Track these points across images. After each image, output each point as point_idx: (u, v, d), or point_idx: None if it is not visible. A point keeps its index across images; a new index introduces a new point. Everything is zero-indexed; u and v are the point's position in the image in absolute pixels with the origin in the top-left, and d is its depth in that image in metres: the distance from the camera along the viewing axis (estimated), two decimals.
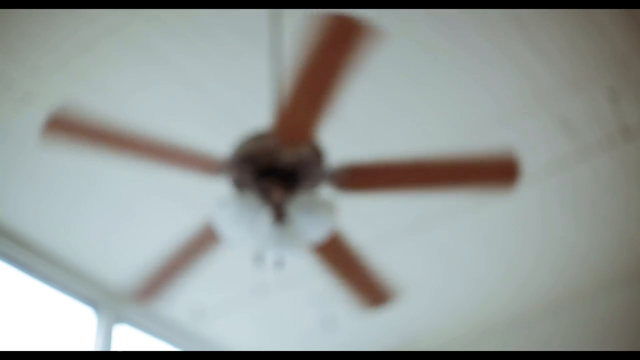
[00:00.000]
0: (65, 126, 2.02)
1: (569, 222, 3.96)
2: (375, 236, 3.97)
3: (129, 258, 3.92)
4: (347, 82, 2.02)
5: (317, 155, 2.24)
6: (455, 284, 4.37)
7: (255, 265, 2.20)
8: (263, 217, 2.24)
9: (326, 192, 2.35)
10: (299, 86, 2.02)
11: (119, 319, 4.19)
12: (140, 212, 3.71)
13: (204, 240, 2.40)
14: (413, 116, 3.39)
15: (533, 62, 3.18)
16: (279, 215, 2.26)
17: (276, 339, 4.70)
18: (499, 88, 3.29)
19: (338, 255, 2.46)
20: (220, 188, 2.40)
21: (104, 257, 4.01)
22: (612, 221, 3.97)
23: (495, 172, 2.37)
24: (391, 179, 2.33)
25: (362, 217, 3.81)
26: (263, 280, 4.11)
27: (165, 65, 3.09)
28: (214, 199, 2.27)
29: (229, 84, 3.20)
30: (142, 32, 2.95)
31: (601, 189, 3.78)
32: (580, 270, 4.28)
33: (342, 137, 3.17)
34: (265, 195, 2.24)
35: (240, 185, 2.27)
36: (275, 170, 2.22)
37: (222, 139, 2.57)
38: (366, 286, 2.63)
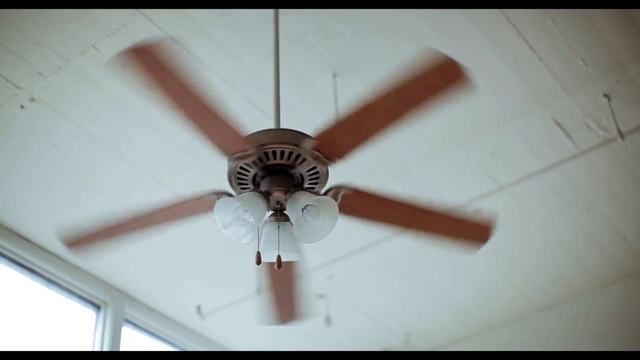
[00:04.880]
0: (146, 58, 1.95)
1: (568, 222, 3.97)
2: (376, 235, 3.98)
3: (132, 256, 3.92)
4: (412, 121, 2.03)
5: (326, 173, 2.25)
6: (456, 284, 4.37)
7: (257, 266, 2.20)
8: (264, 217, 2.24)
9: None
10: (367, 108, 2.03)
11: (124, 318, 4.19)
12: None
13: (170, 213, 2.37)
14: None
15: (532, 63, 3.19)
16: (280, 215, 2.27)
17: (276, 339, 4.70)
18: (498, 89, 3.29)
19: (284, 269, 2.46)
20: (220, 184, 2.39)
21: (106, 255, 4.01)
22: (610, 221, 3.98)
23: (471, 232, 2.45)
24: (382, 216, 2.37)
25: None
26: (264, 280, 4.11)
27: None
28: (215, 194, 2.26)
29: (230, 85, 3.20)
30: (142, 33, 2.96)
31: (599, 190, 3.79)
32: (579, 270, 4.28)
33: None
34: (266, 195, 2.24)
35: (240, 179, 2.27)
36: (283, 171, 2.23)
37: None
38: (288, 302, 2.66)
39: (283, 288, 2.60)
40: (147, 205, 2.36)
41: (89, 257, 2.75)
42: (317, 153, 2.18)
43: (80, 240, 2.49)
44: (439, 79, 1.94)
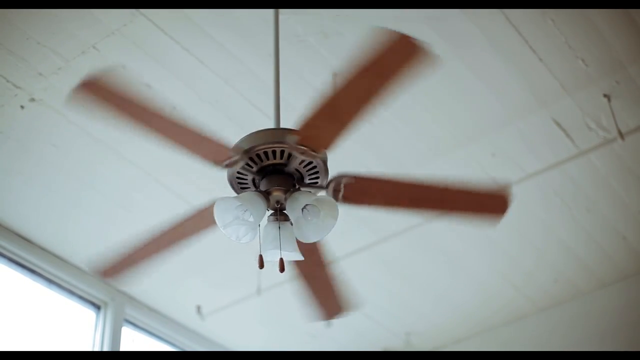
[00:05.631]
0: (99, 90, 1.98)
1: (568, 222, 3.97)
2: (376, 235, 3.98)
3: None
4: (385, 101, 2.03)
5: (323, 164, 2.24)
6: (456, 284, 4.37)
7: (257, 266, 2.19)
8: (264, 217, 2.24)
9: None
10: (339, 94, 2.04)
11: (124, 318, 4.19)
12: (140, 207, 3.72)
13: (190, 226, 2.38)
14: (412, 117, 3.39)
15: (532, 63, 3.19)
16: (279, 215, 2.26)
17: (276, 339, 4.70)
18: (498, 89, 3.29)
19: (314, 263, 2.46)
20: (220, 185, 2.39)
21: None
22: (610, 221, 3.98)
23: (487, 204, 2.40)
24: (388, 198, 2.35)
25: (363, 213, 3.81)
26: (264, 280, 4.11)
27: (165, 67, 3.10)
28: (214, 194, 2.27)
29: (230, 86, 3.20)
30: (142, 33, 2.96)
31: (599, 190, 3.79)
32: (579, 270, 4.28)
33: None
34: (266, 194, 2.24)
35: (241, 182, 2.27)
36: (281, 170, 2.22)
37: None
38: (329, 296, 2.64)
39: (320, 282, 2.57)
40: (163, 223, 2.38)
41: (125, 283, 2.80)
42: (302, 147, 2.17)
43: (112, 270, 2.54)
44: (397, 56, 1.92)
